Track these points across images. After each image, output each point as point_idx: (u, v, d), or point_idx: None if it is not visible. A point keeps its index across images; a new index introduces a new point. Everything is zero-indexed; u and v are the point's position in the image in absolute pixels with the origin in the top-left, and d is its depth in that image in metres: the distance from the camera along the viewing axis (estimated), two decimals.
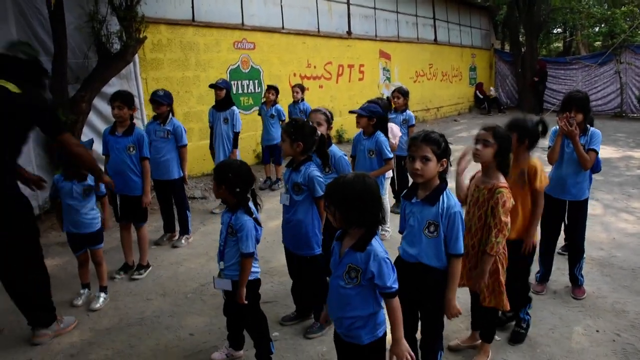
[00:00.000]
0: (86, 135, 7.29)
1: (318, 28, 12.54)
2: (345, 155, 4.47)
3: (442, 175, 2.93)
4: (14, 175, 3.90)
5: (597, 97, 19.23)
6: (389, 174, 5.98)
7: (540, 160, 3.78)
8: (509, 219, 3.21)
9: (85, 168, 4.24)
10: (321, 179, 3.77)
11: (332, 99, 12.58)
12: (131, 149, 5.09)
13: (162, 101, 5.86)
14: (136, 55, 7.66)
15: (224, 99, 7.27)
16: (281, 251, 5.59)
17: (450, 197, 2.89)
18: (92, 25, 6.99)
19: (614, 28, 20.19)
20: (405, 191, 3.08)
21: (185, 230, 6.32)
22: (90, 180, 4.48)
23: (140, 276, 5.26)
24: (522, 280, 3.90)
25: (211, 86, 7.33)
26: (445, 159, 2.87)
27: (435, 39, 18.53)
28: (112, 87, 6.90)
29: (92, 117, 7.32)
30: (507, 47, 25.70)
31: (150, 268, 5.45)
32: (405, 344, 2.50)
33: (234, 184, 3.25)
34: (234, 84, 10.03)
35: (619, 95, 19.24)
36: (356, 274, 2.46)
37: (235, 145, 7.30)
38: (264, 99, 8.76)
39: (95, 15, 6.98)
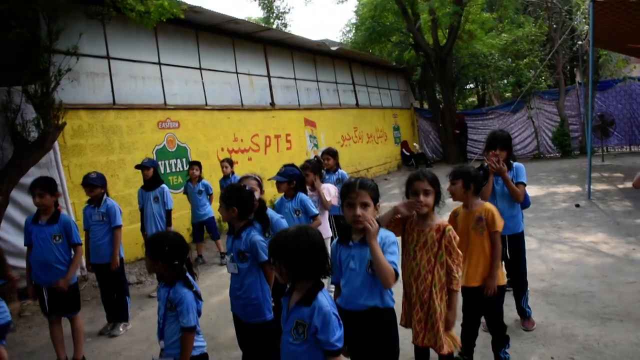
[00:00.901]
0: (5, 230, 6.92)
1: (241, 102, 12.65)
2: (283, 218, 4.41)
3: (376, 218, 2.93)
4: None
5: (515, 142, 20.22)
6: (328, 234, 5.93)
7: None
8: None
9: None
10: (264, 243, 3.69)
11: (262, 170, 12.56)
12: (57, 238, 4.85)
13: (95, 183, 5.70)
14: (56, 143, 7.42)
15: (152, 178, 7.14)
16: (227, 326, 5.42)
17: (385, 231, 2.91)
18: (5, 115, 6.76)
19: (520, 77, 21.50)
20: (337, 239, 3.04)
21: (123, 317, 6.01)
22: None
23: None
24: (497, 322, 3.90)
25: (137, 167, 7.19)
26: (378, 203, 2.92)
27: (357, 103, 19.09)
28: (31, 177, 6.58)
29: (10, 210, 6.95)
30: (425, 105, 26.78)
31: None
32: None
33: (171, 257, 3.11)
34: (162, 164, 9.87)
35: (534, 138, 20.43)
36: (303, 329, 2.38)
37: (169, 223, 7.13)
38: (188, 177, 8.65)
39: (9, 104, 6.76)
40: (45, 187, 4.84)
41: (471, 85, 32.20)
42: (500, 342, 3.88)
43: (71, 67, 7.25)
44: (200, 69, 11.40)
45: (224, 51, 12.35)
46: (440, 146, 23.07)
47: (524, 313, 4.79)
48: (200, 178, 8.55)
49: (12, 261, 6.88)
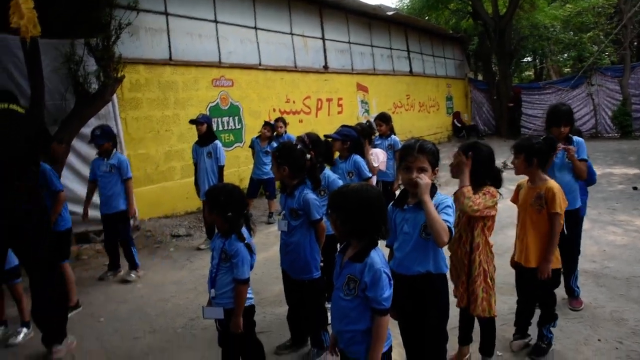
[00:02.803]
0: (65, 176, 7.17)
1: (295, 63, 12.64)
2: (341, 179, 4.43)
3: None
4: (31, 191, 4.11)
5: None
6: None
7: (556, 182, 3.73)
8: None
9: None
10: (317, 202, 3.72)
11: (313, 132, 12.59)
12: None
13: (99, 142, 5.95)
14: (114, 95, 7.60)
15: (206, 134, 7.25)
16: (272, 283, 5.54)
17: (440, 194, 2.87)
18: (68, 67, 6.93)
19: (582, 52, 20.68)
20: (393, 201, 3.03)
21: (133, 265, 6.26)
22: None
23: None
24: (548, 299, 3.83)
25: (191, 122, 7.31)
26: (437, 168, 2.87)
27: (411, 71, 18.79)
28: (90, 127, 6.80)
29: (70, 158, 7.20)
30: (479, 77, 26.16)
31: (80, 308, 5.27)
32: None
33: (227, 209, 3.17)
34: (215, 121, 10.00)
35: (593, 116, 19.61)
36: (354, 285, 2.40)
37: (221, 178, 7.23)
38: (259, 134, 8.68)
39: (72, 56, 6.93)
40: None
41: (528, 59, 31.18)
42: (546, 318, 3.82)
43: (131, 22, 7.36)
44: (255, 28, 11.41)
45: (279, 12, 12.30)
46: (493, 119, 22.55)
47: (572, 292, 4.69)
48: (270, 139, 8.57)
49: (72, 207, 7.19)
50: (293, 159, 3.73)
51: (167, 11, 9.29)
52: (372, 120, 7.48)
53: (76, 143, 7.18)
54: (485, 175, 3.32)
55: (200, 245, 7.45)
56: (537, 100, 21.03)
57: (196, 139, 7.42)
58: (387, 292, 2.37)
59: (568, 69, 26.72)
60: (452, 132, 21.95)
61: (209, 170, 7.21)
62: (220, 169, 7.25)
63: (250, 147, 8.96)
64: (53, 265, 4.31)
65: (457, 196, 3.18)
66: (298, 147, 3.87)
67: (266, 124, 8.68)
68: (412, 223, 2.86)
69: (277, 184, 8.36)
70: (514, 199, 3.93)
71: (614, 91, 19.18)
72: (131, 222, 6.62)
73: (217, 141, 7.30)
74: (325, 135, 4.82)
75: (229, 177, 9.83)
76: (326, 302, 4.37)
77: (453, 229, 2.72)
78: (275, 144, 8.52)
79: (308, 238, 3.79)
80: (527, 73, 33.07)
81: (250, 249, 3.26)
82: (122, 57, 7.29)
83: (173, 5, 9.40)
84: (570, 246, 4.66)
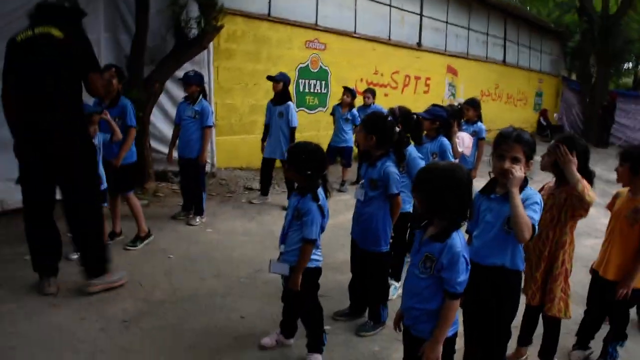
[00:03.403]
0: (154, 115, 7.44)
1: (389, 36, 12.50)
2: (424, 159, 4.40)
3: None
4: (78, 120, 4.09)
5: None
6: None
7: None
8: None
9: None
10: (397, 177, 3.71)
11: None
12: (116, 120, 5.11)
13: (190, 81, 6.09)
14: (211, 43, 7.77)
15: (281, 93, 7.22)
16: (336, 250, 5.59)
17: (532, 189, 2.81)
18: (172, 10, 7.14)
19: None
20: (483, 187, 2.98)
21: (199, 211, 6.40)
22: (96, 138, 4.71)
23: (134, 247, 5.30)
24: (620, 317, 3.68)
25: (269, 78, 7.28)
26: (532, 160, 2.81)
27: (504, 60, 18.21)
28: (184, 71, 7.00)
29: (161, 98, 7.47)
30: (573, 76, 24.97)
31: (152, 237, 5.52)
32: (440, 349, 2.41)
33: (305, 166, 3.21)
34: (302, 82, 10.10)
35: None
36: (431, 264, 2.40)
37: (291, 140, 7.18)
38: (340, 101, 8.67)
39: (177, 0, 7.12)
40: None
41: (630, 64, 29.50)
42: (615, 336, 3.68)
43: None
44: None
45: None
46: (581, 123, 21.56)
47: None
48: (351, 106, 8.55)
49: (155, 144, 7.51)
50: (382, 130, 3.72)
51: None
52: (460, 103, 7.32)
53: (168, 84, 7.42)
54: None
55: (252, 200, 7.57)
56: (634, 109, 19.95)
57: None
58: (463, 277, 2.37)
59: None
60: (536, 130, 21.19)
61: (278, 129, 7.20)
62: (292, 130, 7.19)
63: (331, 114, 8.95)
64: (92, 198, 4.26)
65: (580, 189, 3.03)
66: (389, 118, 3.86)
67: (346, 89, 8.62)
68: (495, 213, 2.81)
69: (354, 153, 8.42)
70: (610, 206, 3.77)
71: None
72: (207, 168, 6.82)
73: (290, 102, 7.24)
74: (414, 113, 4.78)
75: (307, 140, 9.94)
76: (389, 278, 4.43)
77: (537, 227, 2.66)
78: (355, 111, 8.54)
79: (382, 210, 3.80)
80: (625, 79, 31.38)
81: (322, 210, 3.29)
82: (223, 6, 7.42)
83: None
84: None
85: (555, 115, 21.56)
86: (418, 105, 13.32)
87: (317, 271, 3.42)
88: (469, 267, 2.42)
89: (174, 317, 4.01)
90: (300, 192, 3.31)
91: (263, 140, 7.44)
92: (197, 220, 6.34)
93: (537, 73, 20.84)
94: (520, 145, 2.75)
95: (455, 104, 8.15)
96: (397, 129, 3.83)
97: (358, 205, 3.92)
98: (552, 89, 22.32)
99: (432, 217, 2.49)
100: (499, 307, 2.84)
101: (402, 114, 4.43)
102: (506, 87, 18.41)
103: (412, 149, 4.36)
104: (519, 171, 2.67)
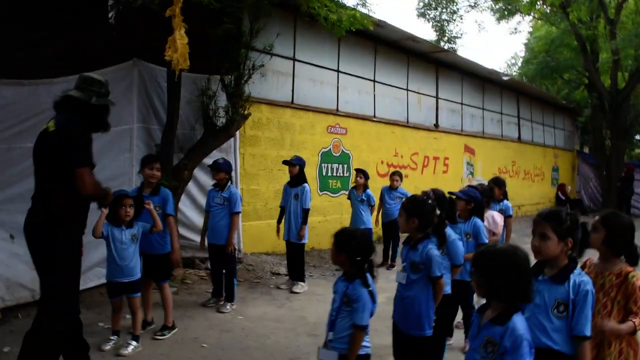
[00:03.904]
0: (182, 202, 7.52)
1: (407, 119, 12.78)
2: (460, 240, 4.39)
3: (571, 255, 2.84)
4: (65, 219, 3.68)
5: None
6: None
7: None
8: None
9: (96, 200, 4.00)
10: (439, 259, 3.70)
11: (416, 189, 12.54)
12: (157, 209, 5.20)
13: (220, 168, 6.23)
14: (237, 131, 7.98)
15: (298, 176, 7.35)
16: (376, 334, 5.45)
17: (582, 275, 2.78)
18: (202, 100, 7.40)
19: None
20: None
21: (230, 298, 6.35)
22: (136, 227, 4.77)
23: (163, 337, 5.22)
24: None
25: (285, 162, 7.45)
26: (570, 238, 2.78)
27: (519, 137, 18.43)
28: (212, 158, 7.16)
29: (190, 186, 7.58)
30: (586, 149, 25.13)
31: (176, 329, 5.41)
32: None
33: (356, 253, 3.21)
34: (324, 167, 10.25)
35: None
36: (492, 348, 2.35)
37: (304, 221, 7.24)
38: (354, 184, 8.77)
39: (206, 90, 7.40)
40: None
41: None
42: None
43: (264, 64, 7.79)
44: (374, 81, 11.70)
45: (398, 67, 12.55)
46: (599, 195, 21.53)
47: None
48: (365, 187, 8.64)
49: (183, 231, 7.54)
50: (424, 212, 3.74)
51: (295, 57, 9.74)
52: (477, 182, 7.37)
53: (196, 172, 7.56)
54: (620, 248, 3.18)
55: (280, 285, 7.53)
56: None
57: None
58: None
59: None
60: (555, 204, 21.10)
61: (294, 211, 7.27)
62: (306, 211, 7.24)
63: (348, 198, 9.00)
64: (59, 303, 3.67)
65: None
66: (429, 201, 3.89)
67: (358, 171, 8.72)
68: (544, 296, 2.78)
69: (375, 235, 8.38)
70: None
71: None
72: (236, 254, 6.83)
73: (305, 184, 7.35)
74: (450, 193, 4.81)
75: (332, 222, 10.00)
76: None
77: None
78: (369, 192, 8.61)
79: (425, 293, 3.75)
80: (638, 151, 31.54)
81: (372, 296, 3.26)
82: (250, 95, 7.68)
83: (301, 51, 9.84)
84: None
85: (569, 188, 21.55)
86: (438, 184, 13.31)
87: (367, 357, 3.35)
88: (533, 350, 2.35)
89: None
90: (348, 278, 3.29)
91: (279, 222, 7.51)
92: (228, 307, 6.28)
93: (552, 148, 21.01)
94: (547, 222, 2.77)
95: (474, 182, 8.20)
96: (438, 212, 3.85)
97: (400, 289, 3.88)
98: (567, 164, 22.42)
99: (492, 300, 2.46)
100: None
101: (437, 196, 4.46)
102: (523, 164, 18.52)
103: (449, 230, 4.36)
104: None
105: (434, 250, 3.72)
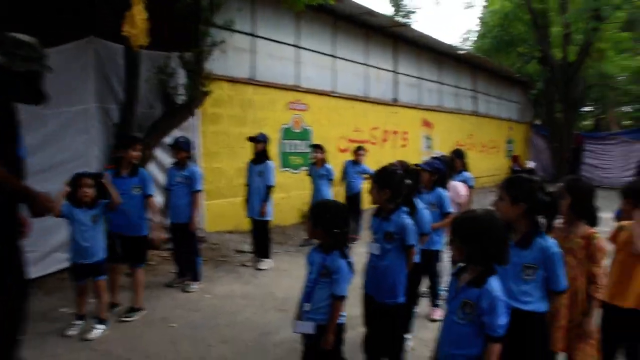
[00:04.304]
0: None
1: (366, 94, 12.84)
2: (427, 209, 4.47)
3: (534, 220, 2.96)
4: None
5: (631, 173, 19.06)
6: None
7: None
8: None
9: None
10: (413, 228, 3.77)
11: (377, 163, 12.62)
12: (136, 190, 5.24)
13: (181, 147, 6.17)
14: (198, 109, 7.87)
15: (262, 153, 7.31)
16: (348, 303, 5.53)
17: (547, 239, 2.92)
18: (160, 78, 7.25)
19: None
20: None
21: (195, 277, 6.35)
22: (98, 208, 4.67)
23: (130, 319, 5.18)
24: (636, 348, 3.75)
25: (250, 139, 7.35)
26: (522, 203, 2.90)
27: (476, 111, 18.76)
28: (172, 137, 7.04)
29: (149, 165, 7.45)
30: (538, 122, 25.73)
31: (144, 311, 5.37)
32: None
33: (332, 225, 3.25)
34: (286, 143, 10.24)
35: None
36: (470, 310, 2.45)
37: (267, 198, 7.21)
38: (313, 159, 8.78)
39: (165, 68, 7.25)
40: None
41: (589, 108, 30.63)
42: None
43: (224, 40, 7.68)
44: (333, 56, 11.70)
45: (357, 42, 12.56)
46: (551, 166, 22.18)
47: None
48: (324, 161, 8.66)
49: None
50: (395, 183, 3.79)
51: (255, 32, 9.64)
52: (436, 155, 7.49)
53: (157, 151, 7.43)
54: (583, 212, 3.33)
55: (245, 262, 7.54)
56: (600, 150, 20.72)
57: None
58: (503, 320, 2.41)
59: (629, 121, 26.30)
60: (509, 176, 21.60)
61: (258, 188, 7.23)
62: (269, 189, 7.21)
63: (308, 174, 9.01)
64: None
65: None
66: (398, 172, 3.94)
67: (315, 146, 8.76)
68: (511, 260, 2.88)
69: None
70: (612, 238, 3.87)
71: None
72: (198, 233, 6.78)
73: (269, 161, 7.32)
74: (415, 165, 4.88)
75: (294, 199, 10.03)
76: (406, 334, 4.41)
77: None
78: (328, 166, 8.65)
79: (399, 262, 3.82)
80: (585, 122, 32.52)
81: (351, 266, 3.31)
82: (211, 72, 7.57)
83: (260, 27, 9.75)
84: None
85: (530, 163, 22.03)
86: (397, 158, 13.50)
87: (343, 327, 3.40)
88: (509, 310, 2.46)
89: None
90: (325, 250, 3.31)
91: (246, 200, 7.48)
92: (195, 286, 6.26)
93: (507, 121, 21.48)
94: (504, 186, 2.97)
95: (438, 154, 8.32)
96: (407, 182, 3.91)
97: (373, 259, 3.92)
98: (521, 136, 22.96)
99: (471, 263, 2.53)
100: (526, 350, 2.87)
101: (404, 168, 4.52)
102: (479, 137, 18.90)
103: (417, 200, 4.44)
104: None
105: (408, 220, 3.79)
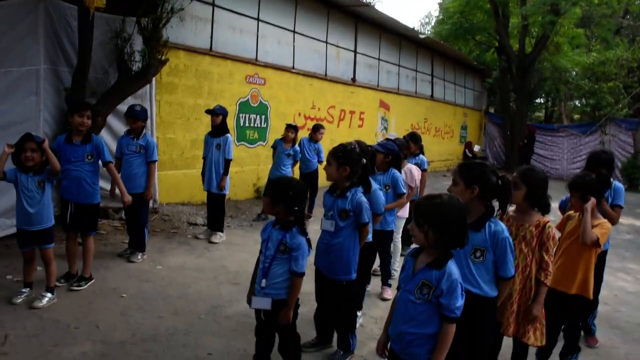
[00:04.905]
0: None
1: (325, 72, 12.78)
2: (381, 189, 4.51)
3: (487, 203, 3.03)
4: None
5: (582, 166, 19.68)
6: (405, 214, 6.02)
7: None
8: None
9: None
10: (368, 206, 3.79)
11: (332, 142, 12.64)
12: (89, 157, 5.16)
13: (137, 116, 6.02)
14: (153, 77, 7.67)
15: (220, 125, 7.19)
16: None
17: (498, 224, 2.98)
18: (116, 43, 7.01)
19: (600, 101, 20.92)
20: None
21: (141, 247, 6.25)
22: (45, 174, 4.53)
23: (80, 287, 5.10)
24: (575, 330, 3.94)
25: (207, 111, 7.26)
26: (476, 186, 2.96)
27: (432, 95, 18.96)
28: (126, 105, 6.84)
29: (102, 133, 7.24)
30: (492, 110, 26.24)
31: (93, 281, 5.28)
32: None
33: (293, 203, 3.23)
34: (242, 117, 10.11)
35: None
36: (428, 291, 2.48)
37: (226, 172, 7.14)
38: (283, 136, 8.67)
39: (121, 33, 7.01)
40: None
41: (541, 100, 31.42)
42: (570, 349, 3.93)
43: (183, 7, 7.48)
44: (294, 32, 11.57)
45: (318, 19, 12.45)
46: (503, 154, 22.68)
47: (589, 330, 4.78)
48: (294, 143, 8.64)
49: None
50: (354, 161, 3.81)
51: (215, 2, 9.42)
52: (390, 136, 7.55)
53: (110, 119, 7.22)
54: (537, 202, 3.41)
55: (198, 235, 7.47)
56: (550, 141, 21.29)
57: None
58: (460, 302, 2.45)
59: (578, 115, 27.14)
60: (462, 161, 21.96)
61: (216, 162, 7.14)
62: (227, 162, 7.14)
63: (272, 147, 8.98)
64: None
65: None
66: (357, 150, 3.96)
67: (290, 126, 8.71)
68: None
69: None
70: (560, 227, 4.03)
71: (626, 143, 19.42)
72: (150, 204, 6.66)
73: (228, 135, 7.22)
74: (369, 146, 4.91)
75: (248, 174, 9.97)
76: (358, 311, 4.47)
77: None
78: (297, 147, 8.66)
79: (353, 239, 3.87)
80: (537, 114, 33.32)
81: (310, 243, 3.33)
82: (168, 40, 7.38)
83: None
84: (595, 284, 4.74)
85: (476, 147, 22.46)
86: (353, 137, 13.62)
87: (297, 302, 3.42)
88: (464, 293, 2.51)
89: (138, 358, 3.86)
90: (284, 227, 3.30)
91: (203, 173, 7.36)
92: (139, 257, 6.17)
93: (462, 107, 21.80)
94: (459, 170, 3.09)
95: (394, 136, 8.39)
96: (364, 161, 3.93)
97: (326, 237, 3.94)
98: (475, 123, 23.37)
99: (437, 248, 2.54)
100: (475, 334, 2.96)
101: (361, 147, 4.54)
102: (434, 121, 19.13)
103: (371, 181, 4.46)
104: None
105: (363, 198, 3.83)
